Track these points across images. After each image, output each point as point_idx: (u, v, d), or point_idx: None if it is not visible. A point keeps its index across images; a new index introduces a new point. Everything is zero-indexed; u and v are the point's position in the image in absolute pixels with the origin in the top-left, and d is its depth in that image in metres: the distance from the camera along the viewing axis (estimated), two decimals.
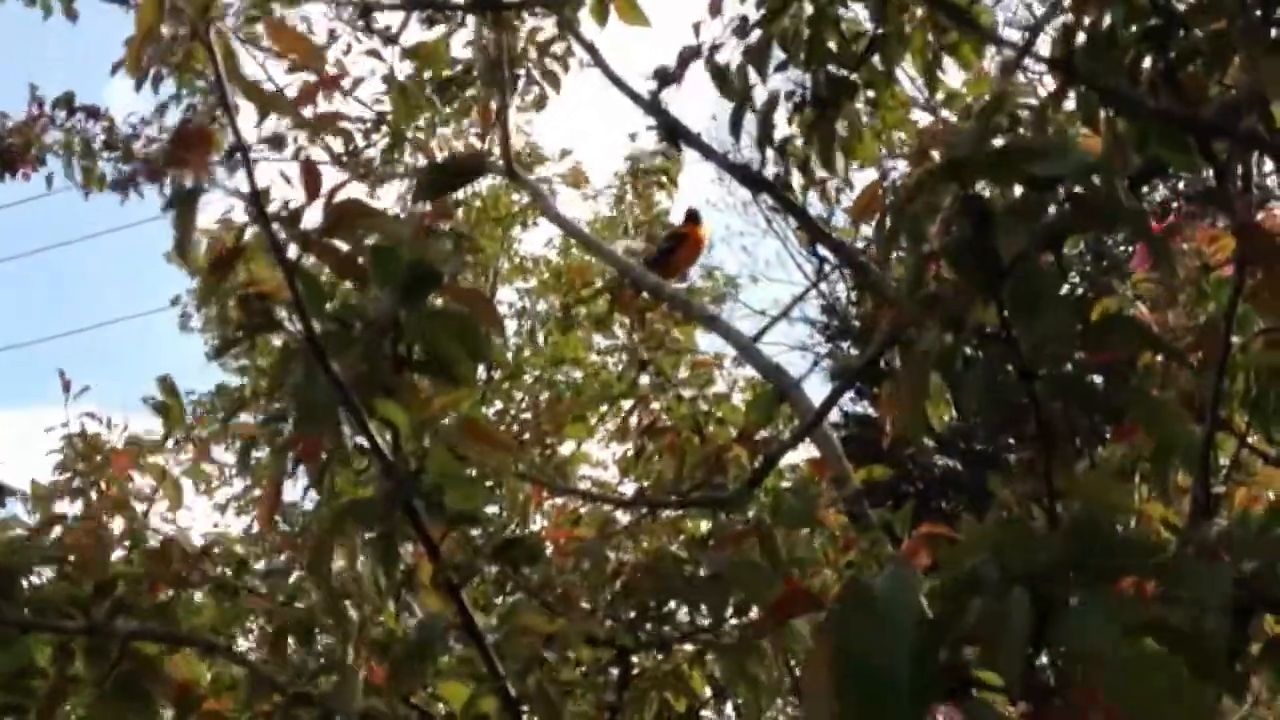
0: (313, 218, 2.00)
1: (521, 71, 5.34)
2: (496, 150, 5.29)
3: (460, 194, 13.75)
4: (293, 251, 1.98)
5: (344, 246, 2.00)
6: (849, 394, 15.35)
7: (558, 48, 5.29)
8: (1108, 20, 2.27)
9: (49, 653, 2.41)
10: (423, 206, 4.36)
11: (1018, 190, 1.71)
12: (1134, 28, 2.26)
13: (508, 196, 15.28)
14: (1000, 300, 1.74)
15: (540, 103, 5.64)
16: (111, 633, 2.36)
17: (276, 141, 1.98)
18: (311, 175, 1.96)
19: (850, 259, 3.48)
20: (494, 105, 5.16)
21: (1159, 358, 2.79)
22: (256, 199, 1.96)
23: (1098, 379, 1.97)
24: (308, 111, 2.05)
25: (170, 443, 3.18)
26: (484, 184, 14.70)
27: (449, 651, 2.38)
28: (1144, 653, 0.79)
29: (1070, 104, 2.45)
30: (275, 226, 1.96)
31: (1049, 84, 2.54)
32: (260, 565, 3.04)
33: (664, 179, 6.56)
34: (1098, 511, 1.81)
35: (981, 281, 1.74)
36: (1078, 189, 1.72)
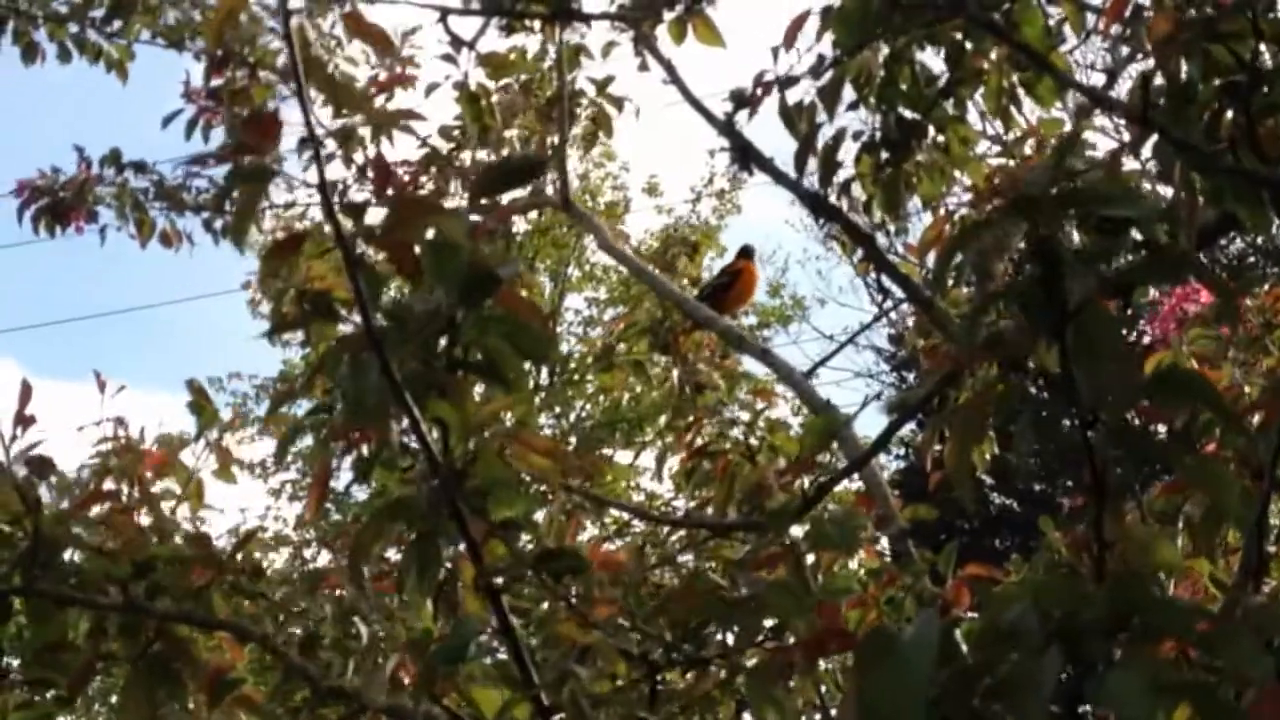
0: (376, 214, 2.01)
1: (578, 108, 5.36)
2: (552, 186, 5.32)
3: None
4: (357, 245, 1.98)
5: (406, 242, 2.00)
6: (910, 426, 15.34)
7: (615, 89, 5.32)
8: (1185, 71, 2.26)
9: (84, 628, 2.42)
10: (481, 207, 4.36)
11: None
12: (1215, 81, 2.25)
13: (580, 203, 15.35)
14: (1064, 344, 1.73)
15: (590, 142, 5.65)
16: (148, 612, 2.37)
17: (347, 135, 1.98)
18: (381, 170, 1.96)
19: (914, 293, 3.47)
20: (551, 139, 5.18)
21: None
22: (324, 190, 1.96)
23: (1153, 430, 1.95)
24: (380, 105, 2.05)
25: (202, 443, 3.18)
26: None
27: (484, 655, 2.37)
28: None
29: (1145, 152, 2.43)
30: (341, 218, 1.96)
31: (1125, 129, 2.53)
32: (279, 564, 3.04)
33: (692, 250, 6.56)
34: (1144, 569, 1.79)
35: (1046, 324, 1.72)
36: (1147, 238, 1.71)
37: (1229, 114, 2.23)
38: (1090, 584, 1.71)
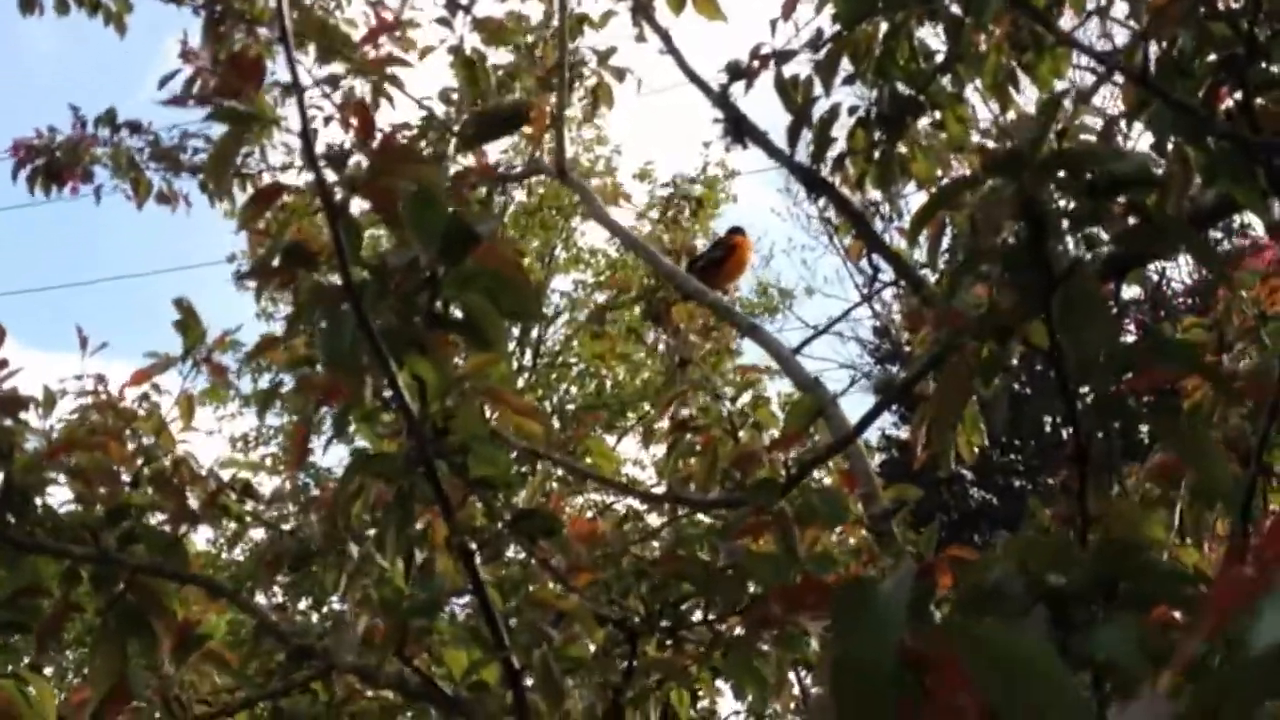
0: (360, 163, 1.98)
1: (579, 80, 5.34)
2: (548, 152, 5.29)
3: (514, 195, 13.80)
4: (337, 193, 1.96)
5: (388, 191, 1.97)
6: (890, 418, 15.32)
7: (617, 60, 5.30)
8: (1181, 43, 2.23)
9: (57, 573, 2.40)
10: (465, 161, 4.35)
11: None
12: (1211, 56, 2.22)
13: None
14: (1049, 310, 1.70)
15: (591, 113, 5.62)
16: (119, 563, 2.34)
17: (332, 82, 1.95)
18: (364, 116, 1.93)
19: (905, 272, 3.44)
20: (549, 107, 5.15)
21: (1207, 397, 2.75)
22: (306, 135, 1.93)
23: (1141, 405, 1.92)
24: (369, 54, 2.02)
25: (188, 363, 3.16)
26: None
27: (453, 615, 2.35)
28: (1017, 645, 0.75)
29: (1139, 127, 2.41)
30: (322, 165, 1.94)
31: (1120, 102, 2.50)
32: (266, 491, 3.04)
33: (696, 205, 6.51)
34: (1133, 536, 1.77)
35: (1032, 288, 1.70)
36: (1136, 202, 1.68)
37: (1225, 89, 2.21)
38: (1077, 549, 1.68)
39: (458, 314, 2.04)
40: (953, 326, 1.85)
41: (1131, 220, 1.70)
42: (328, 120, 4.12)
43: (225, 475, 3.06)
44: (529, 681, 2.22)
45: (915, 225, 1.89)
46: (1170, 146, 2.34)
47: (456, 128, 4.68)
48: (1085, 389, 1.77)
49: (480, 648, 2.28)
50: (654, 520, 3.77)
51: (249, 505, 3.06)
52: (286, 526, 3.04)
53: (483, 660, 2.27)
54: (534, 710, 2.20)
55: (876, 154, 3.32)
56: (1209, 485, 2.08)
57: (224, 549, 16.09)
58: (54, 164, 5.55)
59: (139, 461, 2.67)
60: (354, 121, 1.94)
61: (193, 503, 2.91)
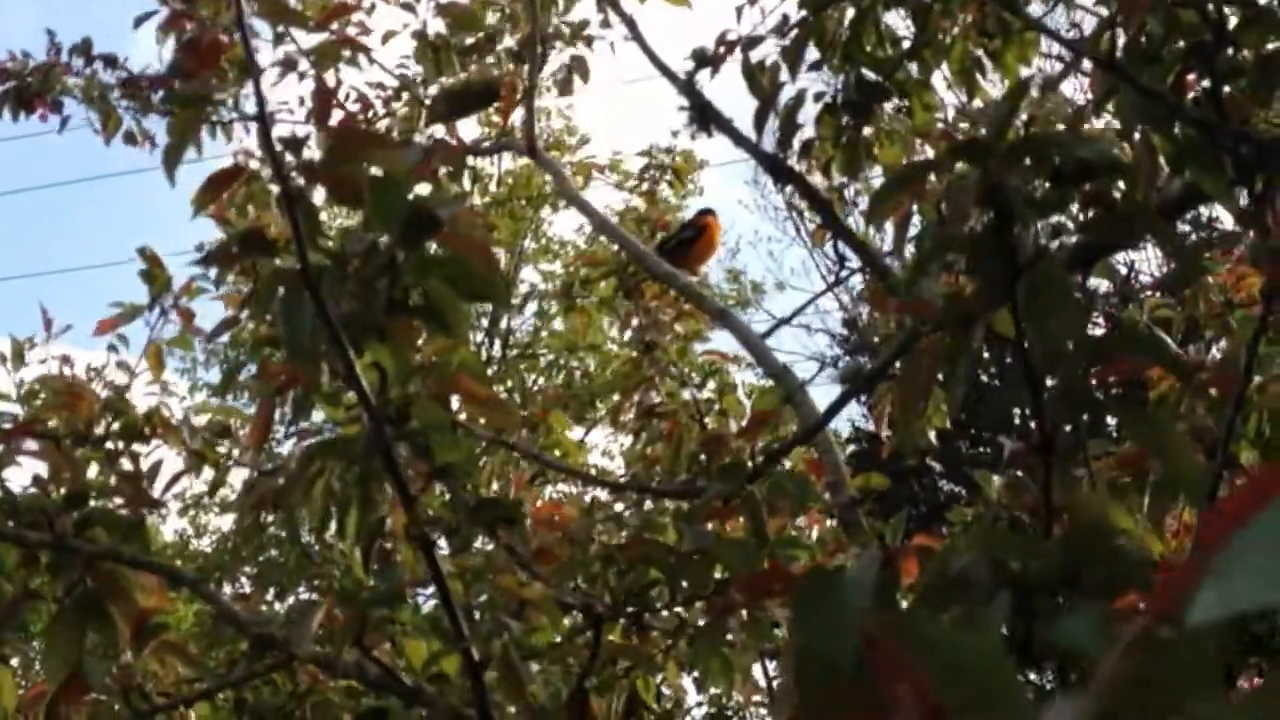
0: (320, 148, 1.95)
1: (553, 52, 5.30)
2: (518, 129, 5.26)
3: (491, 170, 13.77)
4: (294, 177, 1.93)
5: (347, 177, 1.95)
6: (859, 410, 15.33)
7: (591, 31, 5.26)
8: (1149, 27, 2.22)
9: (12, 560, 2.37)
10: (429, 140, 4.30)
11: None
12: (1180, 43, 2.21)
13: (540, 176, 15.26)
14: (1014, 298, 1.69)
15: (566, 87, 5.58)
16: (75, 549, 2.31)
17: (289, 65, 1.92)
18: (324, 100, 1.91)
19: (870, 259, 3.43)
20: (520, 83, 5.11)
21: (1174, 388, 2.74)
22: (263, 118, 1.90)
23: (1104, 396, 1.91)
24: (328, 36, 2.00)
25: (155, 312, 3.13)
26: (518, 162, 14.72)
27: (417, 606, 2.33)
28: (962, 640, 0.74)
29: (1105, 118, 2.39)
30: (279, 150, 1.91)
31: (1088, 89, 2.48)
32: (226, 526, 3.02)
33: (672, 177, 6.47)
34: (1099, 523, 1.75)
35: (996, 276, 1.68)
36: (1102, 191, 1.66)
37: (1193, 76, 2.20)
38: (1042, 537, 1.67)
39: (419, 300, 2.01)
40: (917, 314, 1.83)
41: (1098, 209, 1.68)
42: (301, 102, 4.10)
43: (199, 421, 3.04)
44: (490, 672, 2.20)
45: (875, 207, 1.87)
46: (1137, 136, 2.33)
47: (428, 102, 4.65)
48: (1051, 378, 1.75)
49: (440, 639, 2.26)
50: (621, 508, 3.76)
51: (227, 449, 3.04)
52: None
53: (443, 651, 2.25)
54: (495, 702, 2.18)
55: (843, 140, 3.29)
56: (1174, 476, 2.06)
57: (191, 539, 16.06)
58: (25, 89, 5.48)
59: (109, 417, 2.65)
60: (312, 104, 1.92)
61: (169, 453, 2.90)
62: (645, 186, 6.33)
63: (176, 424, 2.96)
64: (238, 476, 3.33)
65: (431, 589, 2.34)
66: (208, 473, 3.33)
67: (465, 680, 2.18)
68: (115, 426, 2.81)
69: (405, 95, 4.90)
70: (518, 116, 5.35)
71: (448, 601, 2.09)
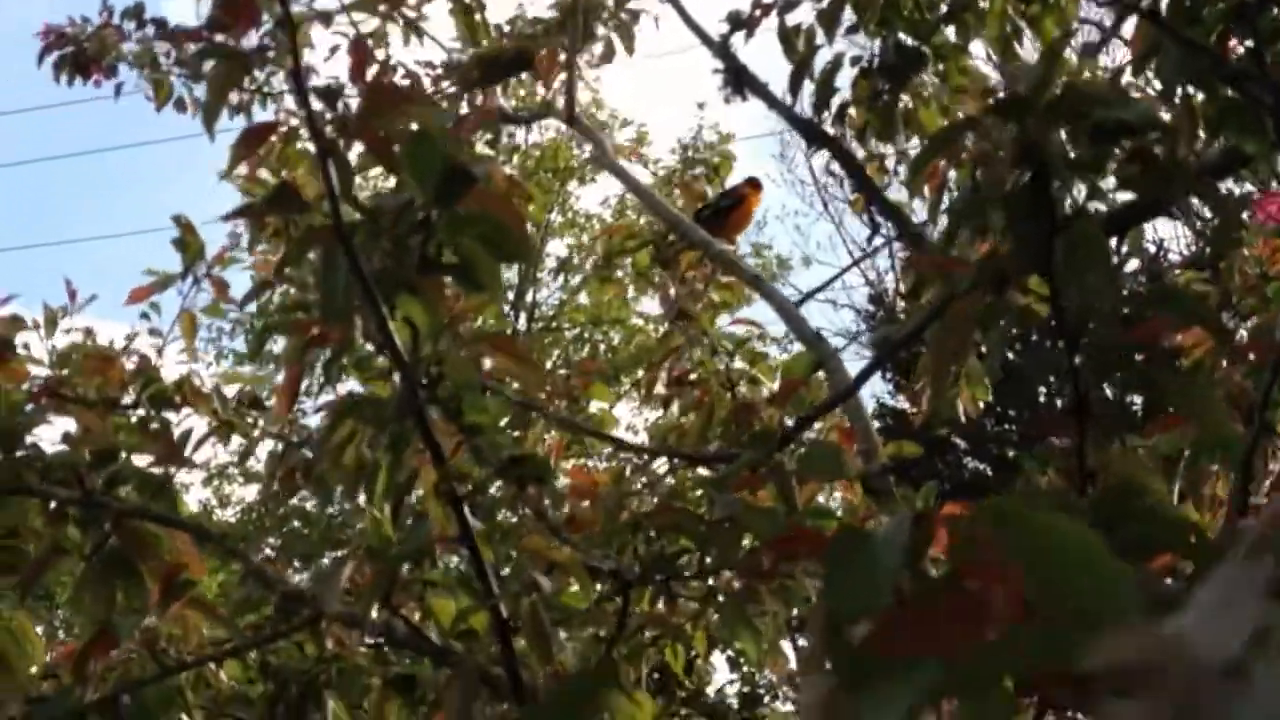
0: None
1: (596, 22, 5.26)
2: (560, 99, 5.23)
3: (520, 142, 13.78)
4: (328, 132, 1.92)
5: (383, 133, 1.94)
6: (886, 387, 15.31)
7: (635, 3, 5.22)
8: None
9: (39, 520, 2.36)
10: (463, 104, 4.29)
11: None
12: (1221, 4, 2.19)
13: (567, 150, 15.26)
14: (1051, 257, 1.67)
15: (608, 57, 5.54)
16: (104, 505, 2.31)
17: (326, 18, 1.91)
18: (359, 51, 1.90)
19: (905, 227, 3.41)
20: (561, 51, 5.08)
21: (1210, 355, 2.71)
22: (298, 74, 1.89)
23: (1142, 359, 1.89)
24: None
25: (189, 280, 3.13)
26: (545, 134, 14.73)
27: (446, 567, 2.33)
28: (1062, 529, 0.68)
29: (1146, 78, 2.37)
30: (315, 104, 1.90)
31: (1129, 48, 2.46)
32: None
33: (714, 173, 6.44)
34: (1133, 481, 1.73)
35: (1033, 234, 1.67)
36: (1142, 148, 1.65)
37: (1235, 38, 2.18)
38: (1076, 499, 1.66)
39: (452, 258, 2.01)
40: (952, 273, 1.82)
41: (1137, 166, 1.67)
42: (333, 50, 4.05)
43: (229, 391, 3.04)
44: (519, 634, 2.19)
45: (916, 169, 1.86)
46: (1177, 101, 2.31)
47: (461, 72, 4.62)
48: (1086, 339, 1.74)
49: (468, 596, 2.25)
50: (647, 481, 3.74)
51: (256, 420, 3.04)
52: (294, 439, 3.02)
53: (471, 608, 2.25)
54: (523, 661, 2.17)
55: (879, 104, 3.28)
56: (1210, 440, 2.05)
57: (215, 510, 16.13)
58: (81, 54, 5.47)
59: (139, 384, 2.64)
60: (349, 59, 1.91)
61: (198, 421, 2.89)
62: (682, 179, 6.29)
63: (207, 393, 2.96)
64: (263, 450, 3.32)
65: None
66: (234, 446, 3.34)
67: (494, 639, 2.17)
68: (145, 394, 2.81)
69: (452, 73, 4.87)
70: (553, 87, 5.33)
71: (477, 558, 2.09)
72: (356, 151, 2.02)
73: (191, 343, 3.17)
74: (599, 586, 2.49)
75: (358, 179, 2.02)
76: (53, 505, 2.33)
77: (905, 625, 0.65)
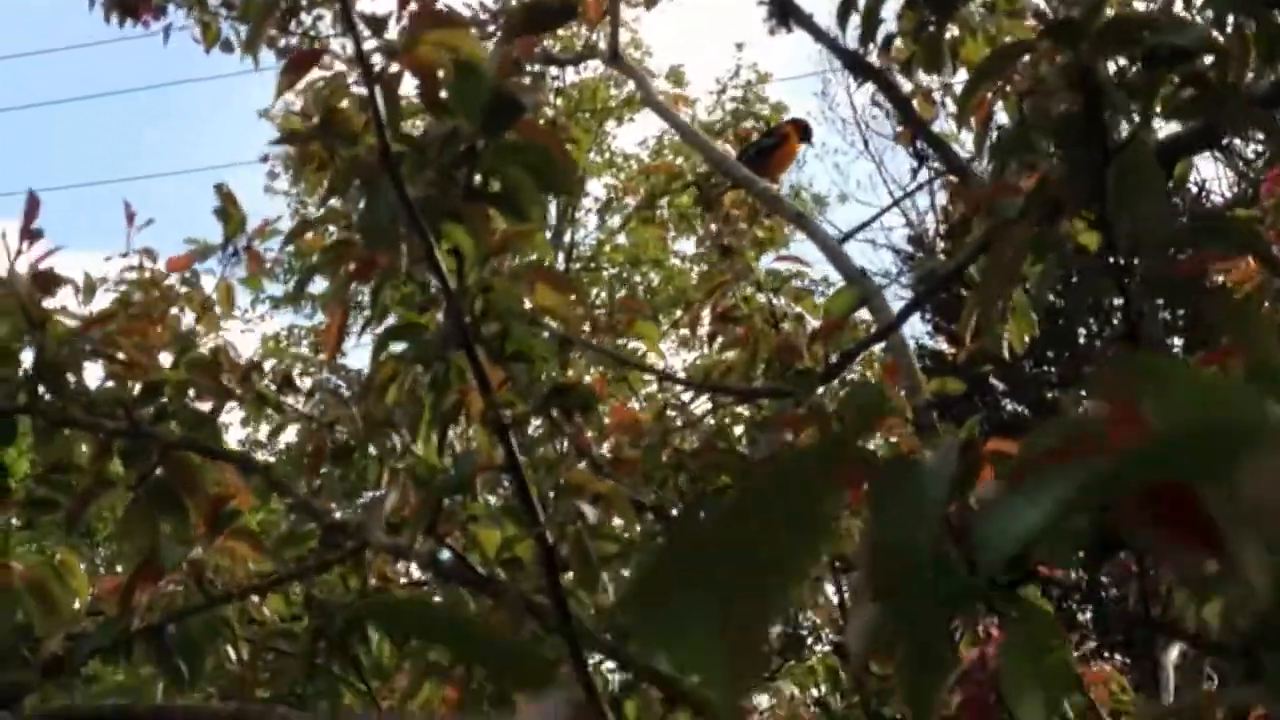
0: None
1: None
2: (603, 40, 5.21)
3: (559, 83, 13.74)
4: (375, 60, 1.91)
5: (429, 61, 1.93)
6: (925, 328, 15.25)
7: None
8: None
9: (89, 451, 2.37)
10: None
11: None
12: None
13: (605, 90, 15.22)
14: (1103, 183, 1.66)
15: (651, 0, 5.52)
16: (151, 437, 2.32)
17: None
18: None
19: (951, 159, 3.38)
20: None
21: (1259, 289, 2.69)
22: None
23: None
24: None
25: (230, 250, 3.13)
26: (584, 74, 14.68)
27: (483, 500, 2.33)
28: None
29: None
30: (361, 29, 1.89)
31: None
32: (306, 383, 3.01)
33: (766, 126, 6.42)
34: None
35: (1086, 160, 1.65)
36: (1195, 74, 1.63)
37: None
38: None
39: (496, 187, 2.00)
40: (1001, 201, 1.80)
41: (1190, 90, 1.65)
42: None
43: (266, 366, 3.04)
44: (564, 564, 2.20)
45: (966, 97, 1.84)
46: (1230, 28, 2.28)
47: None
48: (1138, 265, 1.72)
49: (514, 524, 2.26)
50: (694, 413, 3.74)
51: (289, 399, 3.04)
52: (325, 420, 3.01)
53: (516, 537, 2.25)
54: (569, 590, 2.17)
55: (924, 35, 3.24)
56: (1262, 368, 2.03)
57: (254, 450, 16.18)
58: None
59: (177, 348, 2.65)
60: None
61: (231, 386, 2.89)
62: (736, 133, 6.27)
63: (243, 364, 2.95)
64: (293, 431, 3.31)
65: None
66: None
67: (539, 567, 2.17)
68: (184, 361, 2.81)
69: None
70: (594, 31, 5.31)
71: (522, 486, 2.08)
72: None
73: (229, 312, 3.17)
74: (640, 525, 2.49)
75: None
76: (100, 438, 2.34)
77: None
